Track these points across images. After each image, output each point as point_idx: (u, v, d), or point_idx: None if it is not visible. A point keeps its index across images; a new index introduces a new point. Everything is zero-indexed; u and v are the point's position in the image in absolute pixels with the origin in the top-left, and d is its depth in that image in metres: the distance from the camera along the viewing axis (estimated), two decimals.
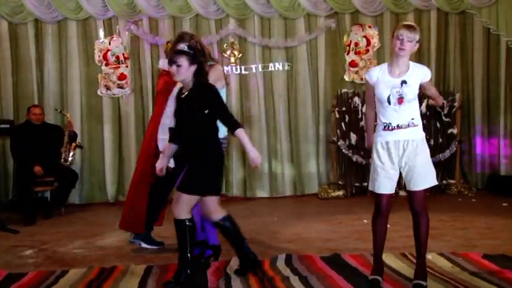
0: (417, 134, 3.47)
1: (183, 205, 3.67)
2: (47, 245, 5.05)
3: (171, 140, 3.90)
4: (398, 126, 3.44)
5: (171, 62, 3.67)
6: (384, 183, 3.52)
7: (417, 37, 3.42)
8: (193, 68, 3.67)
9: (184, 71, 3.64)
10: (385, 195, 3.54)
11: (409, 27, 3.42)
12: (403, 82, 3.40)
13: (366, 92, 3.80)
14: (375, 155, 3.58)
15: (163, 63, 4.55)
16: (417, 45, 3.47)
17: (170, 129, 4.06)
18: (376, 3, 7.67)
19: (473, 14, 7.70)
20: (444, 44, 7.83)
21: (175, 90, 4.07)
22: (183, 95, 3.73)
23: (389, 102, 3.43)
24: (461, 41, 7.82)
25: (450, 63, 7.85)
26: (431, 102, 3.81)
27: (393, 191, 3.60)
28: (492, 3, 7.56)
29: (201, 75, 3.72)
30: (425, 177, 3.46)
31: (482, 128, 7.85)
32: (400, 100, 3.41)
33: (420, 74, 3.48)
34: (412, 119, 3.45)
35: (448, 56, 7.84)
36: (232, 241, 3.92)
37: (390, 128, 3.46)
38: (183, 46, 3.79)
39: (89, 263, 4.38)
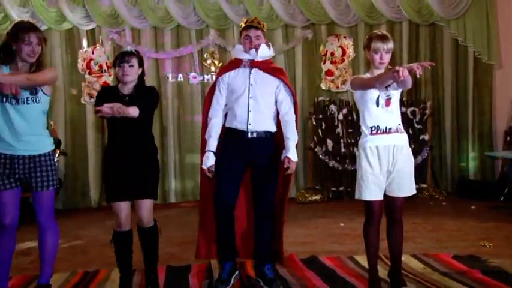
0: (404, 141, 3.43)
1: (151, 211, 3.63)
2: (30, 249, 4.99)
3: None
4: (387, 130, 3.36)
5: (124, 61, 3.57)
6: (374, 189, 3.37)
7: (392, 45, 3.38)
8: (139, 71, 3.65)
9: (135, 72, 3.62)
10: (377, 201, 3.39)
11: (383, 38, 3.36)
12: (387, 86, 3.33)
13: (358, 80, 3.46)
14: (363, 161, 3.40)
15: None
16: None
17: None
18: (351, 15, 7.75)
19: (443, 26, 7.83)
20: (415, 54, 7.93)
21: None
22: (124, 96, 3.57)
23: (377, 104, 3.36)
24: (432, 51, 7.94)
25: (421, 73, 7.92)
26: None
27: (382, 198, 3.42)
28: (460, 16, 7.70)
29: (143, 79, 3.70)
30: (410, 184, 3.42)
31: (452, 134, 7.97)
32: (388, 101, 3.36)
33: None
34: (399, 124, 3.41)
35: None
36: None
37: (379, 131, 3.36)
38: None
39: (73, 267, 4.34)
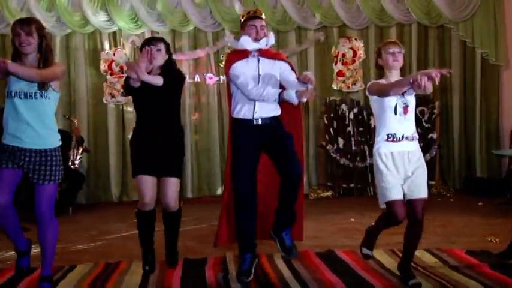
0: (417, 146, 3.43)
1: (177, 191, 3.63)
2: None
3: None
4: (403, 137, 3.35)
5: (151, 44, 3.57)
6: (397, 189, 3.33)
7: (403, 51, 3.45)
8: (166, 56, 3.65)
9: (161, 57, 3.61)
10: (400, 202, 3.34)
11: (396, 43, 3.46)
12: (404, 92, 3.35)
13: (377, 86, 3.41)
14: (380, 165, 3.37)
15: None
16: None
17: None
18: (362, 17, 7.71)
19: (451, 28, 7.76)
20: (424, 56, 7.87)
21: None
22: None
23: (395, 112, 3.35)
24: (440, 53, 7.87)
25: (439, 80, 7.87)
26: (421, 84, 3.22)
27: (403, 198, 3.37)
28: (468, 18, 7.62)
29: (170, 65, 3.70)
30: (425, 187, 3.41)
31: (459, 133, 7.90)
32: (406, 109, 3.35)
33: None
34: (414, 132, 3.42)
35: (428, 66, 7.83)
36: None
37: (395, 139, 3.35)
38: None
39: (95, 259, 4.36)
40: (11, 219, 3.36)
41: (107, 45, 7.54)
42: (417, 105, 7.59)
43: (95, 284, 3.66)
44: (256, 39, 3.62)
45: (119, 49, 7.51)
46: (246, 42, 3.64)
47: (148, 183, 3.54)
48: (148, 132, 3.55)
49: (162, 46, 3.60)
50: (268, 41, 3.68)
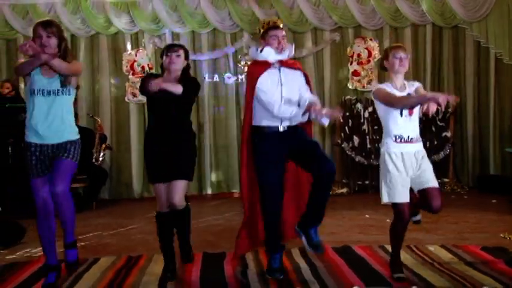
0: (422, 146, 3.47)
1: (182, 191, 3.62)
2: (80, 236, 5.07)
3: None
4: (409, 139, 3.38)
5: (172, 51, 3.60)
6: (404, 192, 3.37)
7: (409, 56, 3.49)
8: (185, 62, 3.67)
9: (180, 62, 3.63)
10: (406, 204, 3.37)
11: (402, 48, 3.47)
12: (408, 94, 3.40)
13: (384, 93, 3.41)
14: (389, 165, 3.38)
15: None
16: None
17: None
18: (377, 18, 7.63)
19: (465, 28, 7.64)
20: (439, 56, 7.77)
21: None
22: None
23: (401, 114, 3.36)
24: (454, 53, 7.76)
25: (444, 73, 7.79)
26: (425, 109, 3.39)
27: (409, 200, 3.40)
28: (482, 18, 7.51)
29: (188, 71, 3.72)
30: (434, 178, 3.44)
31: (473, 132, 7.79)
32: (411, 111, 3.37)
33: (413, 85, 3.49)
34: (418, 132, 3.45)
35: (442, 66, 7.78)
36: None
37: (403, 140, 3.38)
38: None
39: (118, 252, 4.39)
40: (52, 226, 3.42)
41: (129, 46, 7.59)
42: None
43: (117, 276, 3.69)
44: (279, 50, 3.56)
45: (140, 50, 7.55)
46: (269, 54, 3.56)
47: (162, 189, 3.62)
48: (160, 137, 3.59)
49: (181, 52, 3.64)
50: (290, 52, 3.64)
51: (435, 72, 7.79)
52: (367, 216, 5.75)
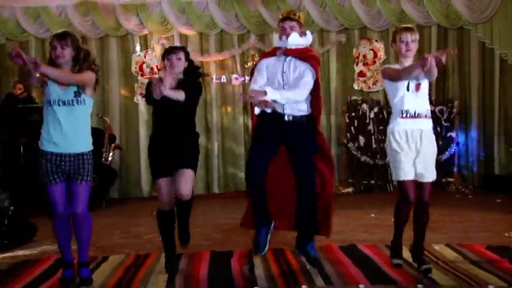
0: (430, 126, 3.41)
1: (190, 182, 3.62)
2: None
3: None
4: (416, 114, 3.32)
5: (172, 53, 3.64)
6: (409, 169, 3.32)
7: (417, 36, 3.40)
8: (185, 64, 3.69)
9: (181, 65, 3.65)
10: (411, 182, 3.34)
11: (409, 30, 3.38)
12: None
13: (391, 70, 3.41)
14: (393, 144, 3.36)
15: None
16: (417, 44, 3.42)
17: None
18: (382, 19, 7.62)
19: (470, 29, 7.62)
20: None
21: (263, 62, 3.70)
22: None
23: (408, 89, 3.32)
24: (459, 54, 7.72)
25: (449, 74, 7.77)
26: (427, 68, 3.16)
27: (414, 177, 3.36)
28: (487, 20, 7.48)
29: (189, 72, 3.73)
30: (433, 169, 3.39)
31: (478, 132, 7.76)
32: (418, 86, 3.32)
33: None
34: (427, 109, 3.39)
35: (447, 67, 7.76)
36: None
37: (409, 115, 3.32)
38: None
39: (127, 250, 4.40)
40: (69, 226, 3.45)
41: (138, 48, 7.62)
42: (437, 104, 7.55)
43: (126, 273, 3.70)
44: (281, 39, 3.67)
45: (149, 51, 7.58)
46: (275, 41, 3.84)
47: (166, 185, 3.62)
48: (164, 140, 3.62)
49: (181, 55, 3.67)
50: (290, 40, 3.61)
51: (440, 73, 7.71)
52: (372, 215, 5.73)
